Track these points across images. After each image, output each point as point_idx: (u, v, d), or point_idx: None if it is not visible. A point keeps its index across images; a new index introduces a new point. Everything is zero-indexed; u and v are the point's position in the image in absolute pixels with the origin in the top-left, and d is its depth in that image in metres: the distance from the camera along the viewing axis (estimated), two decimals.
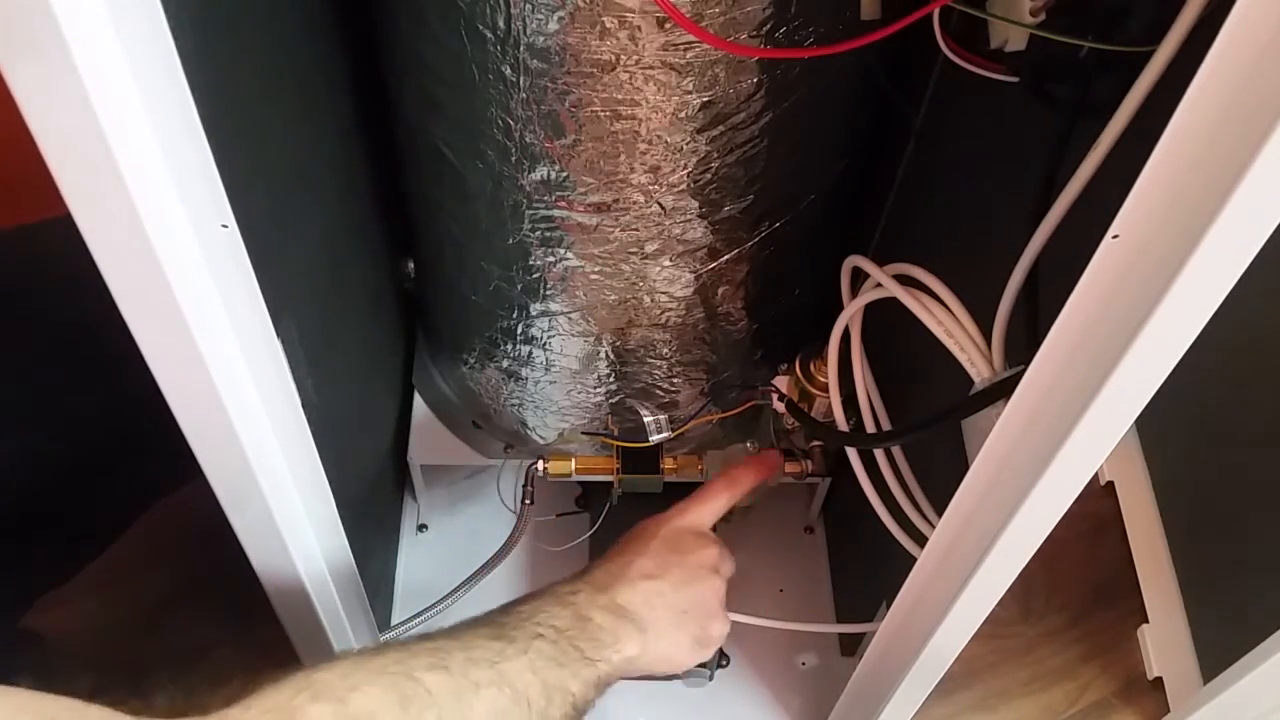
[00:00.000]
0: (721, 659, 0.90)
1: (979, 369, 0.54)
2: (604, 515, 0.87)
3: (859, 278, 0.67)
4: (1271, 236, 0.33)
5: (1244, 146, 0.31)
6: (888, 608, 0.66)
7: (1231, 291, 0.35)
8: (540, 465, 0.83)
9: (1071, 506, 0.47)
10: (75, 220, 0.35)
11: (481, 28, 0.56)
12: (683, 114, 0.58)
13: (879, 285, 0.63)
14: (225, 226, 0.40)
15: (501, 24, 0.55)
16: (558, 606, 0.60)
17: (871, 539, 0.73)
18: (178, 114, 0.37)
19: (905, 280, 0.60)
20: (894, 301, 0.60)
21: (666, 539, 0.69)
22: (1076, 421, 0.42)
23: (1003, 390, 0.50)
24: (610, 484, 0.85)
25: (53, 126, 0.33)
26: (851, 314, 0.68)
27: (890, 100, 0.69)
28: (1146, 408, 0.40)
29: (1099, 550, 1.03)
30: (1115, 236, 0.37)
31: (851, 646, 0.90)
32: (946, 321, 0.56)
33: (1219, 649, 0.83)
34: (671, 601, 0.66)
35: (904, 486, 0.67)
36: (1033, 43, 0.47)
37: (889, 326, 0.65)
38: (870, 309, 0.67)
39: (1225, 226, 0.33)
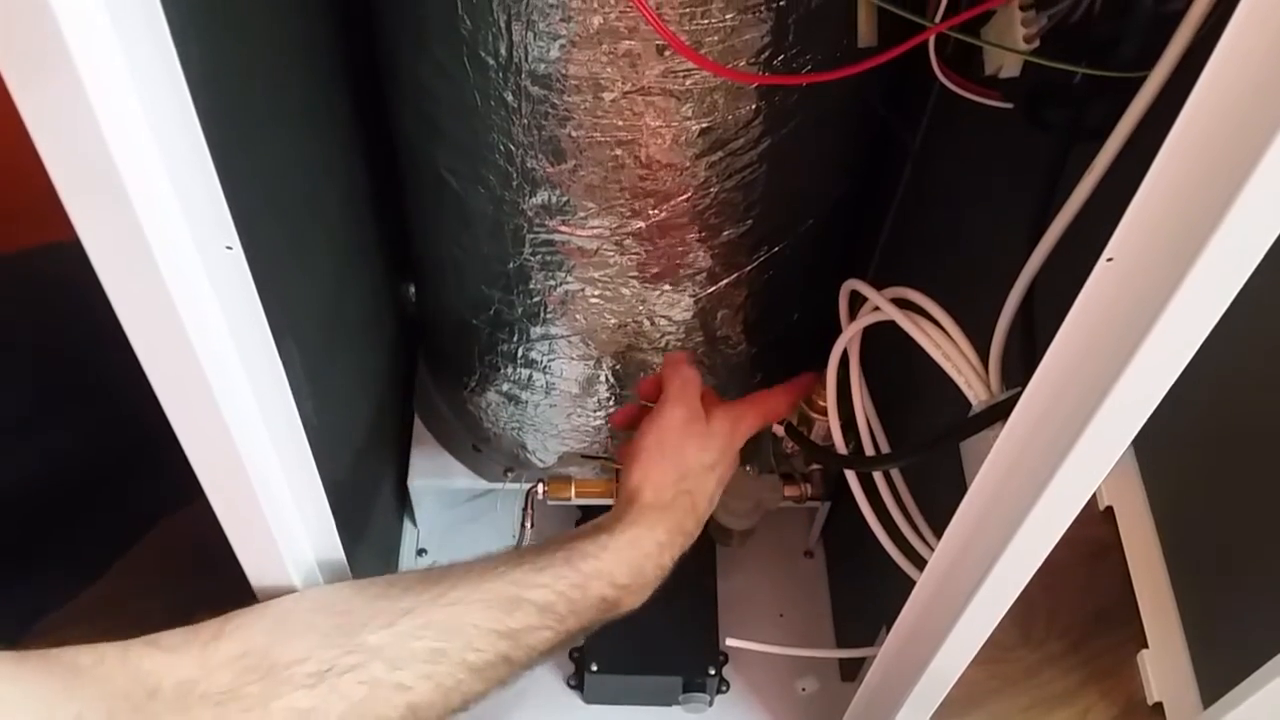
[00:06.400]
0: (721, 685, 0.90)
1: (976, 392, 0.54)
2: None
3: (857, 301, 0.68)
4: (1267, 259, 0.34)
5: (1237, 169, 0.31)
6: (888, 632, 0.66)
7: (1230, 315, 0.35)
8: (540, 489, 0.83)
9: (1071, 531, 0.47)
10: (81, 241, 0.36)
11: (483, 55, 0.56)
12: (682, 139, 0.59)
13: (877, 309, 0.63)
14: (230, 248, 0.41)
15: (503, 51, 0.56)
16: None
17: (871, 563, 0.73)
18: (184, 137, 0.37)
19: (903, 304, 0.61)
20: (892, 325, 0.60)
21: (670, 459, 0.66)
22: (1073, 444, 0.42)
23: (1000, 413, 0.50)
24: (609, 507, 0.85)
25: (60, 149, 0.33)
26: (850, 337, 0.68)
27: (887, 125, 0.70)
28: (1145, 432, 0.40)
29: (1099, 575, 1.03)
30: (1110, 259, 0.37)
31: (852, 671, 0.89)
32: (944, 344, 0.56)
33: (1219, 674, 0.83)
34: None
35: (903, 510, 0.67)
36: (1027, 69, 0.48)
37: (888, 349, 0.65)
38: (869, 332, 0.67)
39: (1219, 249, 0.33)
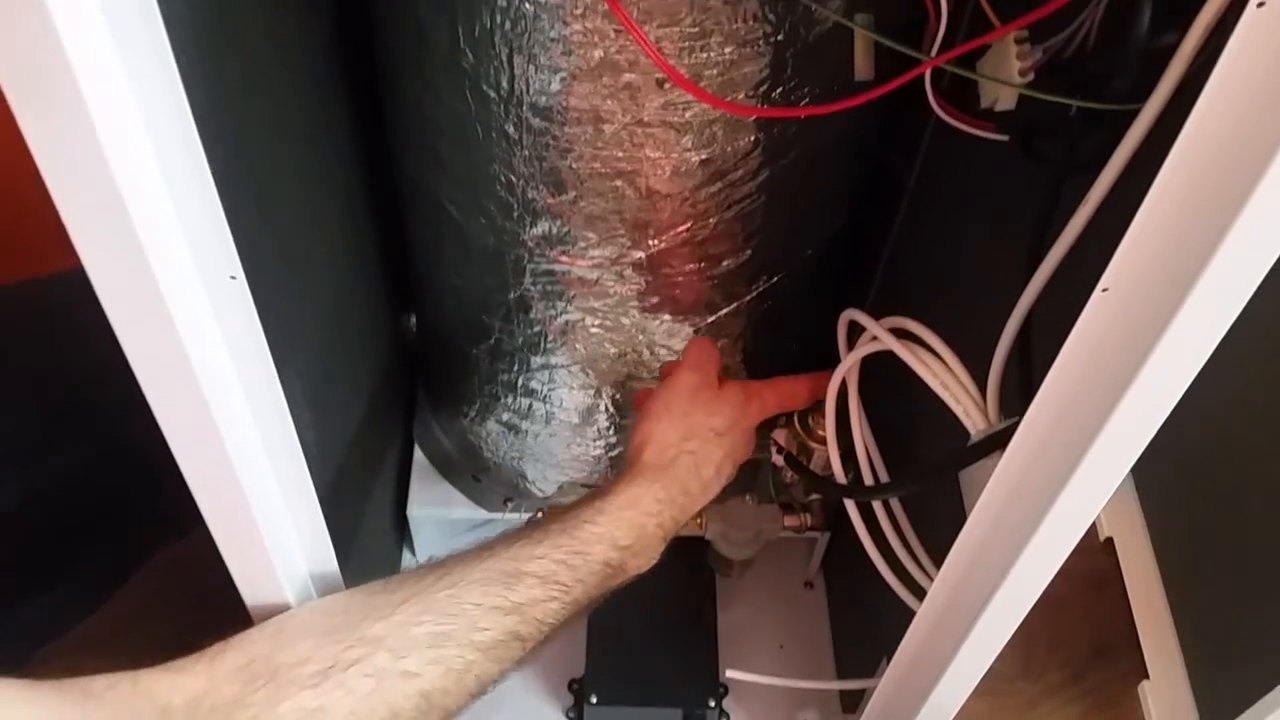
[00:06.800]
0: (721, 716, 0.89)
1: (974, 421, 0.54)
2: None
3: (855, 331, 0.68)
4: (1261, 291, 0.34)
5: (1230, 199, 0.32)
6: (888, 663, 0.65)
7: (1227, 343, 0.36)
8: (540, 518, 0.83)
9: (1071, 562, 0.47)
10: (87, 271, 0.36)
11: (486, 88, 0.57)
12: (682, 171, 0.60)
13: (875, 338, 0.63)
14: (234, 278, 0.41)
15: (505, 84, 0.56)
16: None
17: (871, 593, 0.72)
18: (190, 169, 0.38)
19: (901, 334, 0.61)
20: (891, 354, 0.61)
21: (680, 429, 0.65)
22: (1071, 473, 0.42)
23: (998, 442, 0.51)
24: None
25: (67, 180, 0.34)
26: (848, 367, 0.68)
27: (884, 157, 0.71)
28: (1145, 463, 0.40)
29: (1099, 606, 1.02)
30: (1105, 289, 0.37)
31: (853, 703, 0.89)
32: (941, 374, 0.56)
33: (1220, 705, 0.82)
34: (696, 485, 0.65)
35: (903, 540, 0.67)
36: (1022, 102, 0.48)
37: (887, 379, 0.65)
38: (868, 361, 0.67)
39: (1214, 278, 0.33)
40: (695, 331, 0.71)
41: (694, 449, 0.65)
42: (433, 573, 0.56)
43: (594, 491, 0.63)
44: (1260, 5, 0.30)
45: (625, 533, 0.60)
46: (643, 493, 0.62)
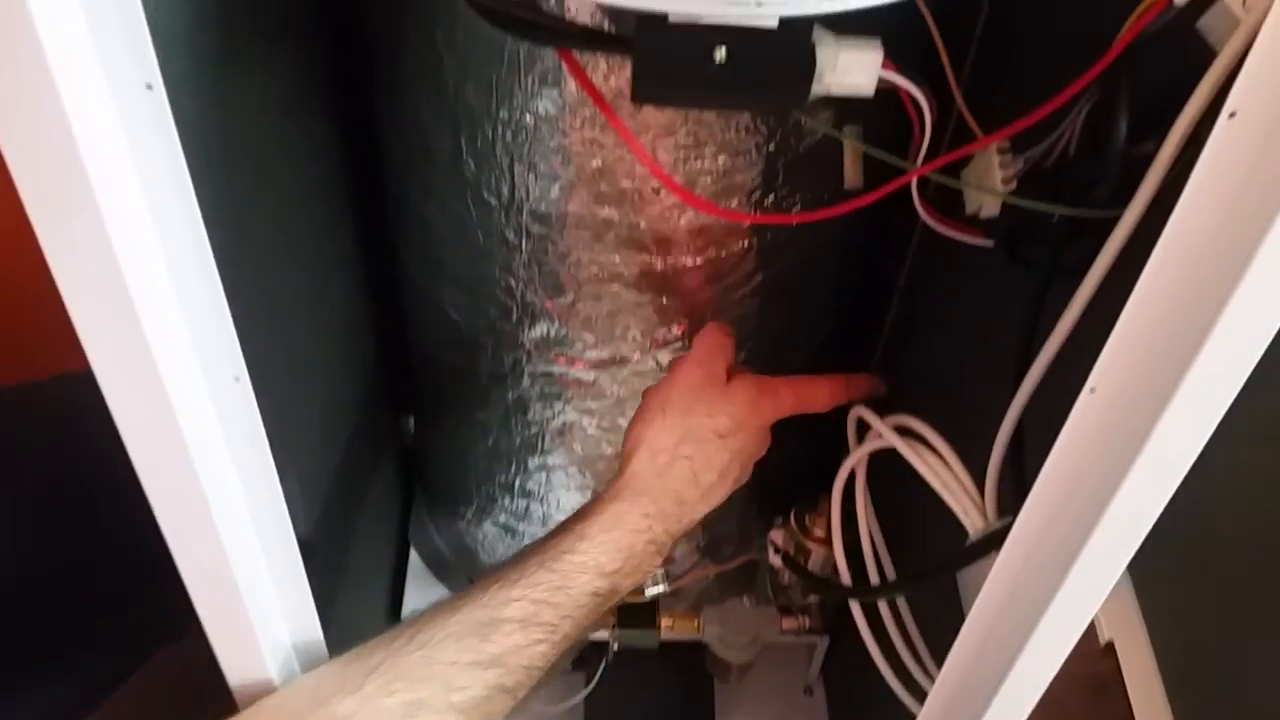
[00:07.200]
0: None
1: (973, 520, 0.55)
2: (600, 673, 0.86)
3: (861, 427, 0.68)
4: (1249, 387, 0.35)
5: (1210, 300, 0.33)
6: None
7: (1223, 449, 0.36)
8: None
9: (1072, 666, 0.47)
10: (93, 368, 0.37)
11: (487, 195, 0.58)
12: (677, 275, 0.61)
13: (879, 436, 0.64)
14: (237, 379, 0.42)
15: (505, 191, 0.58)
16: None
17: (874, 700, 0.71)
18: (198, 270, 0.39)
19: (901, 431, 0.61)
20: (890, 455, 0.61)
21: (678, 431, 0.58)
22: (1066, 573, 0.42)
23: (996, 541, 0.50)
24: (606, 641, 0.84)
25: (79, 282, 0.34)
26: (856, 461, 0.68)
27: (876, 260, 0.72)
28: (1144, 565, 0.40)
29: (1101, 711, 1.00)
30: (1092, 390, 0.38)
31: None
32: (941, 473, 0.57)
33: None
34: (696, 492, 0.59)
35: (907, 641, 0.66)
36: (1006, 209, 0.49)
37: (887, 478, 0.65)
38: (868, 463, 0.67)
39: (1198, 377, 0.34)
40: None
41: (690, 454, 0.58)
42: (405, 632, 0.51)
43: (576, 513, 0.57)
44: (1232, 116, 0.31)
45: (611, 557, 0.54)
46: (627, 508, 0.55)
